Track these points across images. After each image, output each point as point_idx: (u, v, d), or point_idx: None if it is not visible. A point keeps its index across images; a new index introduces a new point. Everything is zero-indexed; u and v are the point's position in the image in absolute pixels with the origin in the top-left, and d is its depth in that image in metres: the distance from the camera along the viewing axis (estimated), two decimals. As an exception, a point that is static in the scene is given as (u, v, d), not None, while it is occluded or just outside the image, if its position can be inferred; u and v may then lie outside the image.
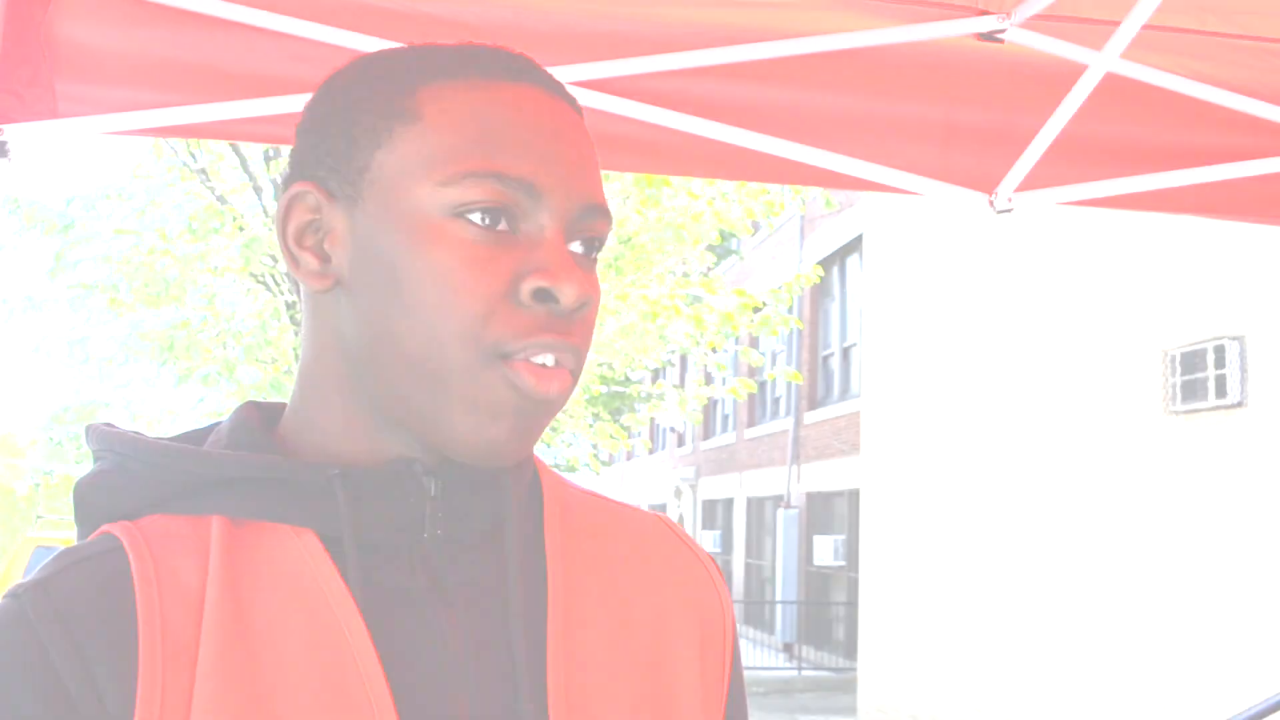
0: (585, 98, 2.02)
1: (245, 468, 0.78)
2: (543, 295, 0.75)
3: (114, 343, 10.38)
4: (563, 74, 1.93)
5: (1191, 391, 7.30)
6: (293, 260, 0.80)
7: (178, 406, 11.67)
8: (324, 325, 0.81)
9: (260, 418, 0.85)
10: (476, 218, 0.75)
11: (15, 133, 1.82)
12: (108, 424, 0.84)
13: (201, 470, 0.78)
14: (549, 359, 0.75)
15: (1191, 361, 7.30)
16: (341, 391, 0.80)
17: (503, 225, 0.76)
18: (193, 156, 10.17)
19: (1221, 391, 7.01)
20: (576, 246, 0.79)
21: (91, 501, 0.80)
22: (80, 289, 10.23)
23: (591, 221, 0.79)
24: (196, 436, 0.85)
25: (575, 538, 0.87)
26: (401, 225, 0.76)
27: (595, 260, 0.81)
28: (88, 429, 0.84)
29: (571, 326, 0.76)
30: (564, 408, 0.95)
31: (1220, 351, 7.03)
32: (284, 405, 0.86)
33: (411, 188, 0.76)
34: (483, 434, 0.75)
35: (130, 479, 0.79)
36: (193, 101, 1.92)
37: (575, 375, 0.78)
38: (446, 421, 0.76)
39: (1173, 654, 7.46)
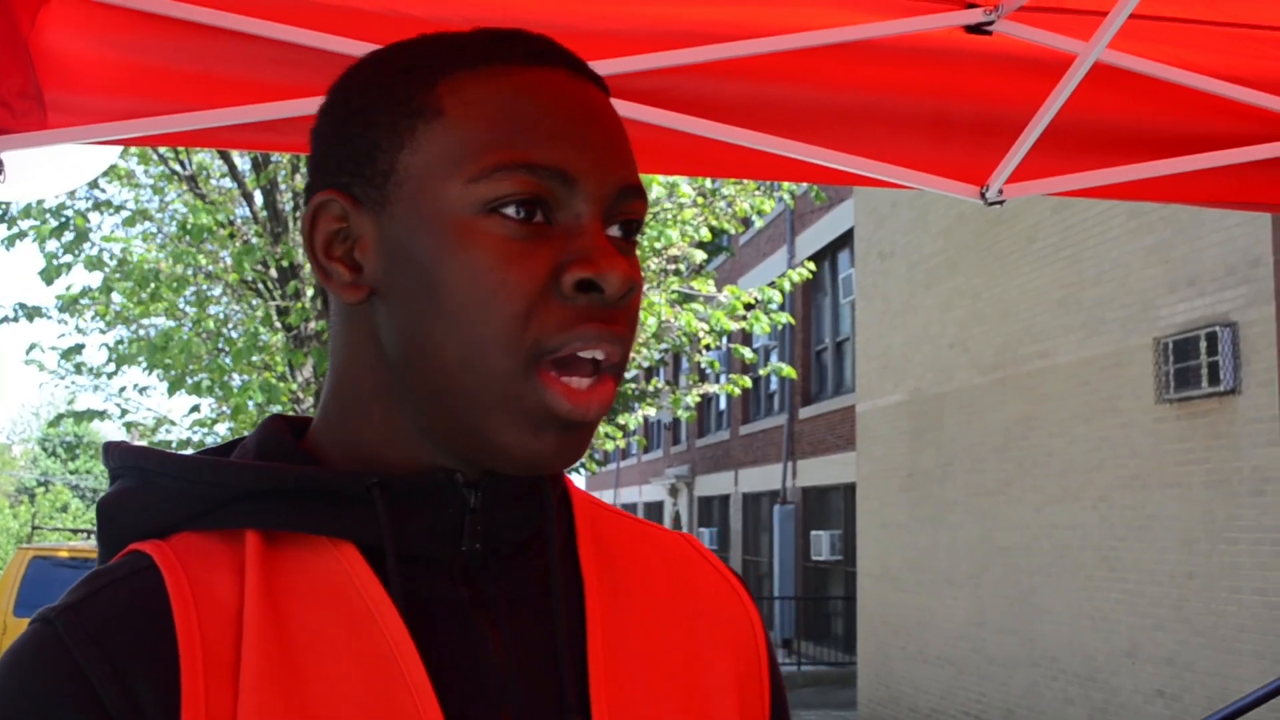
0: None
1: (282, 478, 0.75)
2: (585, 285, 0.72)
3: (105, 351, 10.36)
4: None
5: (1184, 379, 7.31)
6: (323, 273, 0.77)
7: (172, 415, 11.64)
8: (360, 336, 0.78)
9: (289, 430, 0.83)
10: (511, 212, 0.72)
11: (6, 144, 1.81)
12: (123, 441, 0.81)
13: (237, 483, 0.75)
14: (597, 353, 0.73)
15: (1184, 349, 7.32)
16: (380, 401, 0.78)
17: (538, 217, 0.73)
18: (181, 165, 10.15)
19: (1214, 379, 7.03)
20: (614, 230, 0.76)
21: (117, 520, 0.78)
22: (71, 297, 10.21)
23: (628, 203, 0.76)
24: (222, 452, 0.83)
25: (607, 552, 0.85)
26: (433, 227, 0.73)
27: (635, 244, 0.78)
28: (105, 447, 0.81)
29: (616, 316, 0.74)
30: None
31: (1213, 339, 7.05)
32: (309, 419, 0.84)
33: (440, 188, 0.73)
34: (527, 446, 0.73)
35: (159, 495, 0.77)
36: (182, 110, 1.91)
37: (619, 373, 0.75)
38: (489, 433, 0.73)
39: (1171, 643, 7.48)
